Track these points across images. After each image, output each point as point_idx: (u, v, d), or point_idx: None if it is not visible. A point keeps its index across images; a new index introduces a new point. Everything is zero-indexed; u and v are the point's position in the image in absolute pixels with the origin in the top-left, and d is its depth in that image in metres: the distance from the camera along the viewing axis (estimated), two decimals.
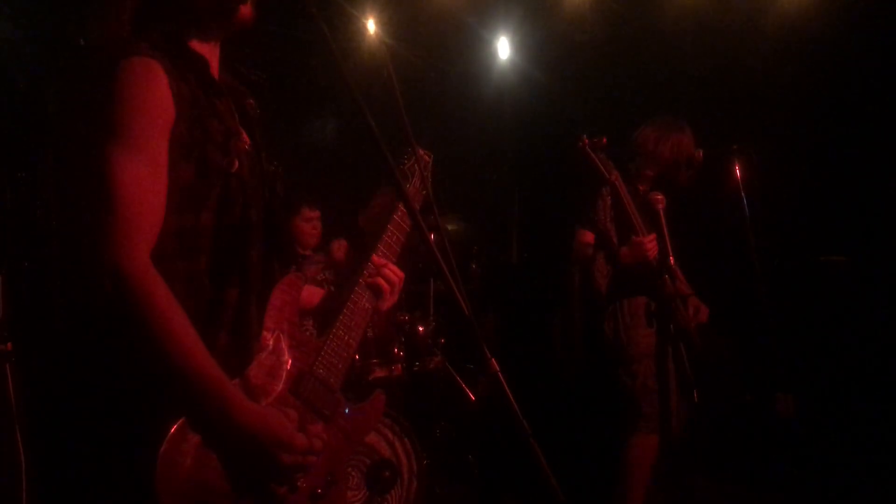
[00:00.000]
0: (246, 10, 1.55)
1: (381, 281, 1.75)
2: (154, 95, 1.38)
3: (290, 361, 1.56)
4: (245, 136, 1.59)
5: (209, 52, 1.57)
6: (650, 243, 3.07)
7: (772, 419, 4.49)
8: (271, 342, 1.54)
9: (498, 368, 1.47)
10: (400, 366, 3.67)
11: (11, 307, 2.88)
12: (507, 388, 1.47)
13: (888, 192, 4.49)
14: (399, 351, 3.68)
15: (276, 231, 1.63)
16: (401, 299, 3.92)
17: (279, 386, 1.53)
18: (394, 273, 1.77)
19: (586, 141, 3.02)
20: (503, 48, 5.49)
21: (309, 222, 3.97)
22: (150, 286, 1.32)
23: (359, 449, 3.21)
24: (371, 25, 4.94)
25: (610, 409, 3.46)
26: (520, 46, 5.50)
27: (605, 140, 3.03)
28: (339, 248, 3.93)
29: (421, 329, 3.83)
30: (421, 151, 1.90)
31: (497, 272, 5.21)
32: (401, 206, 1.84)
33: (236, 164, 1.49)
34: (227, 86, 1.61)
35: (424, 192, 1.90)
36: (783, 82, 4.72)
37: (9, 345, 2.81)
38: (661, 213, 2.97)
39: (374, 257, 1.77)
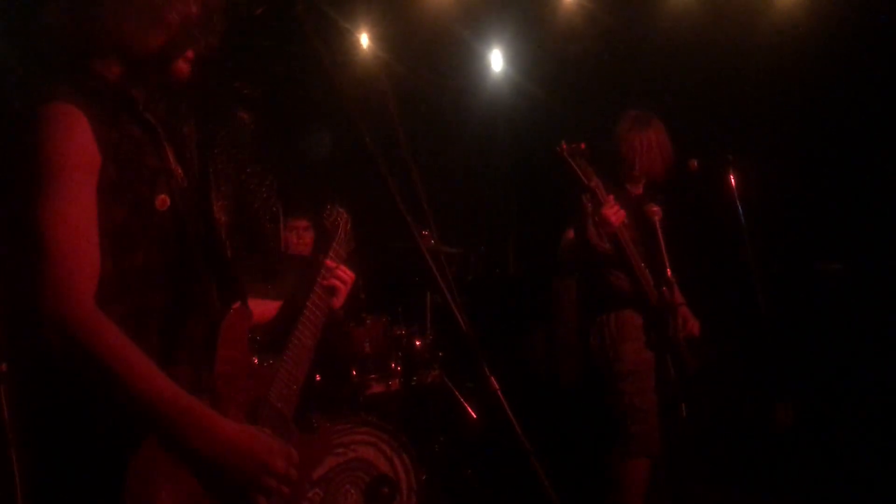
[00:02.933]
0: (184, 66, 1.54)
1: (335, 281, 2.04)
2: (76, 142, 1.36)
3: (244, 390, 1.58)
4: (180, 170, 1.58)
5: (139, 90, 1.55)
6: (610, 209, 3.00)
7: (771, 428, 4.49)
8: (225, 372, 1.53)
9: (497, 387, 1.47)
10: (398, 380, 3.65)
11: (4, 328, 2.86)
12: (507, 406, 1.47)
13: (883, 198, 4.50)
14: (396, 365, 3.66)
15: (221, 264, 1.62)
16: (397, 314, 3.93)
17: (237, 414, 1.52)
18: (345, 273, 2.07)
19: (564, 147, 3.00)
20: (496, 61, 5.51)
21: (293, 231, 3.96)
22: (100, 328, 1.30)
23: (354, 462, 3.20)
24: (364, 40, 4.95)
25: (599, 426, 3.42)
26: (513, 59, 5.52)
27: (583, 146, 3.02)
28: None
29: (418, 343, 3.81)
30: (339, 209, 2.23)
31: (493, 284, 5.21)
32: (341, 225, 2.19)
33: (167, 201, 1.48)
34: (160, 121, 1.59)
35: (349, 244, 2.21)
36: (776, 92, 4.75)
37: (3, 366, 2.80)
38: (658, 224, 2.95)
39: (327, 261, 2.07)
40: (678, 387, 3.12)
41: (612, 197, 3.03)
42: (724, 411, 4.43)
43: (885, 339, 4.43)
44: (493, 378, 1.47)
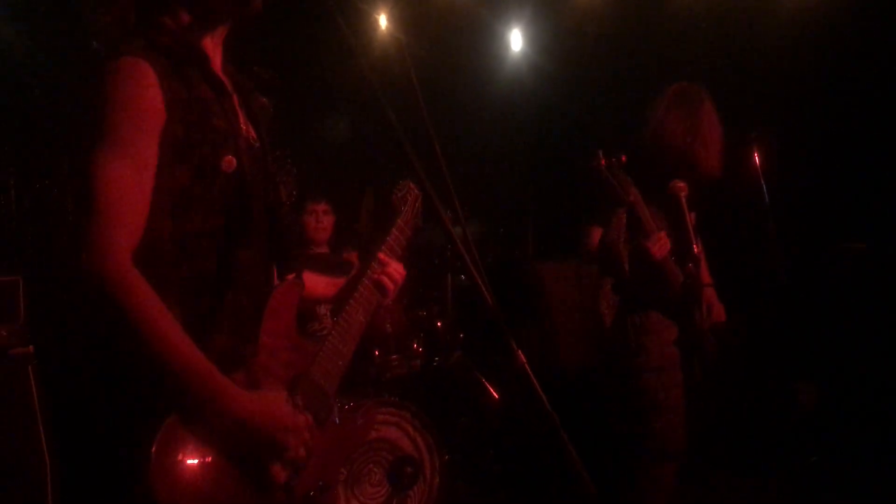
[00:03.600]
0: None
1: (384, 278, 1.84)
2: (142, 96, 1.36)
3: (287, 364, 1.56)
4: (252, 131, 1.58)
5: (212, 48, 1.54)
6: (654, 244, 2.81)
7: (794, 409, 4.46)
8: (268, 343, 1.53)
9: (525, 361, 1.47)
10: (419, 361, 3.66)
11: (32, 310, 2.90)
12: (535, 380, 1.46)
13: None
14: (418, 347, 3.67)
15: (279, 233, 1.62)
16: (419, 295, 3.93)
17: (275, 386, 1.52)
18: (397, 271, 1.87)
19: (603, 162, 2.79)
20: (515, 40, 5.47)
21: (312, 215, 3.95)
22: (129, 286, 1.30)
23: (377, 442, 3.22)
24: (383, 21, 4.92)
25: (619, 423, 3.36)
26: (532, 38, 5.48)
27: (623, 158, 2.80)
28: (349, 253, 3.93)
29: (440, 324, 3.82)
30: (411, 185, 2.03)
31: (512, 267, 5.19)
32: (406, 210, 1.98)
33: (234, 163, 1.46)
34: (233, 81, 1.59)
35: (416, 222, 2.02)
36: (800, 68, 4.68)
37: (31, 347, 2.84)
38: (683, 200, 2.88)
39: (380, 255, 1.87)
40: (701, 380, 3.04)
41: (663, 233, 2.84)
42: (747, 392, 4.41)
43: None
44: (519, 351, 1.47)
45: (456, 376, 3.78)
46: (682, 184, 2.93)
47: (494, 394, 3.70)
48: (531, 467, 3.45)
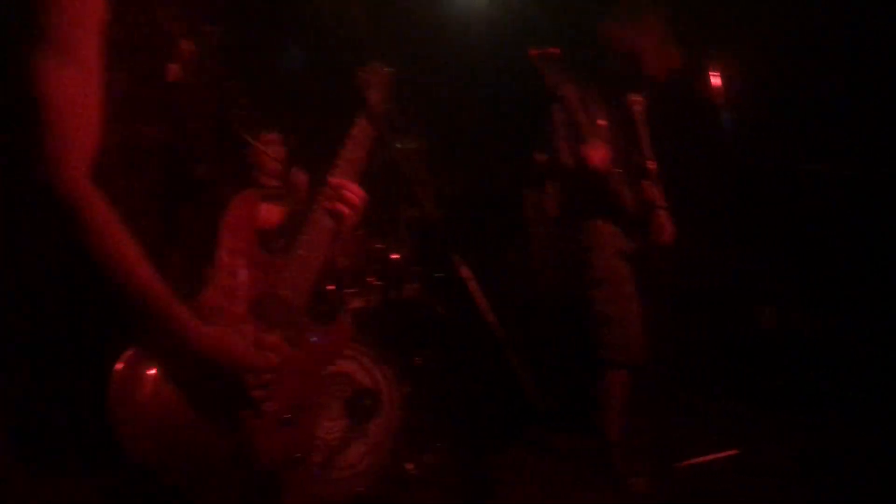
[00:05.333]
0: None
1: (339, 205, 1.62)
2: None
3: (249, 281, 1.46)
4: (189, 43, 1.44)
5: None
6: (594, 150, 2.83)
7: (754, 331, 4.51)
8: (228, 262, 1.44)
9: (471, 275, 1.40)
10: (376, 295, 3.58)
11: None
12: (479, 296, 1.40)
13: (869, 98, 4.41)
14: (374, 280, 3.59)
15: (231, 147, 1.53)
16: (374, 227, 3.83)
17: (239, 307, 1.43)
18: (354, 193, 1.63)
19: (535, 53, 2.76)
20: None
21: (269, 146, 3.82)
22: (89, 203, 1.21)
23: (334, 376, 3.16)
24: None
25: (575, 336, 3.38)
26: None
27: (558, 51, 2.77)
28: (297, 176, 3.80)
29: (396, 257, 3.73)
30: (378, 65, 1.80)
31: (475, 198, 5.10)
32: (361, 120, 1.72)
33: (177, 71, 1.36)
34: None
35: (385, 105, 1.79)
36: None
37: None
38: (639, 115, 2.83)
39: (331, 179, 1.64)
40: (652, 295, 3.06)
41: (602, 143, 2.85)
42: (708, 314, 4.43)
43: (872, 241, 4.41)
44: (464, 267, 1.40)
45: (413, 309, 3.72)
46: (638, 97, 2.87)
47: (441, 310, 3.64)
48: (493, 394, 3.44)
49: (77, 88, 1.23)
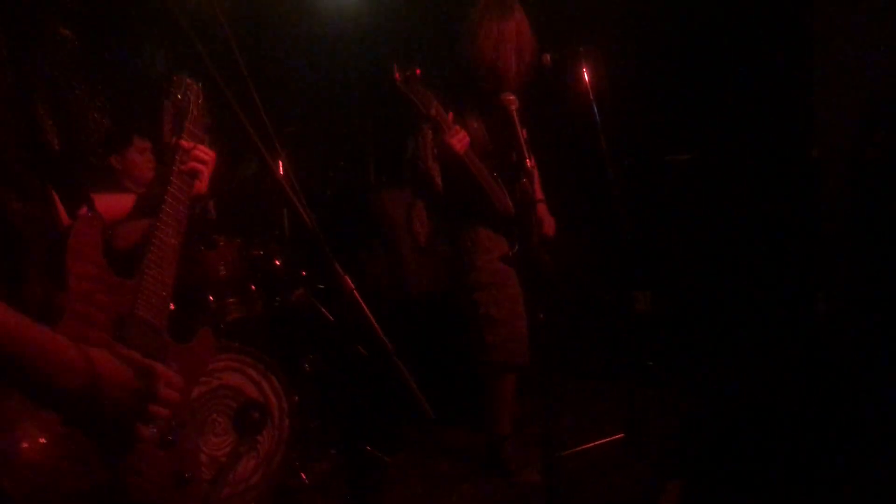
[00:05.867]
0: None
1: (194, 164, 1.80)
2: None
3: (105, 307, 1.41)
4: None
5: None
6: (453, 137, 2.87)
7: (631, 316, 4.68)
8: (80, 288, 1.37)
9: (353, 287, 1.39)
10: (259, 302, 3.49)
11: None
12: (364, 306, 1.39)
13: (728, 91, 4.66)
14: (257, 287, 3.49)
15: (55, 172, 1.44)
16: (253, 234, 3.72)
17: (99, 332, 1.37)
18: (204, 152, 1.83)
19: (398, 77, 2.78)
20: None
21: (142, 154, 3.64)
22: None
23: (220, 389, 3.07)
24: None
25: (459, 338, 3.42)
26: None
27: (418, 71, 2.80)
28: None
29: (278, 263, 3.64)
30: (188, 80, 1.91)
31: (353, 196, 5.05)
32: (192, 95, 1.88)
33: None
34: None
35: (206, 120, 1.91)
36: None
37: None
38: (514, 113, 2.87)
39: (181, 142, 1.80)
40: (536, 288, 3.11)
41: (457, 127, 2.89)
42: (586, 302, 4.58)
43: (732, 223, 4.67)
44: (346, 277, 1.38)
45: (299, 315, 3.65)
46: (511, 97, 2.92)
47: (329, 316, 3.59)
48: (385, 397, 3.43)
49: None
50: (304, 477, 3.33)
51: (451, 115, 2.92)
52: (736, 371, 4.24)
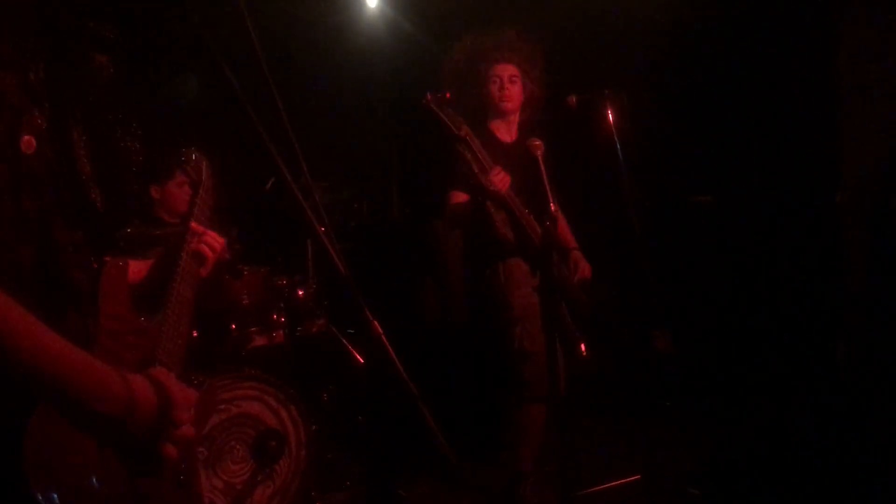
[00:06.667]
0: None
1: (203, 247, 1.81)
2: None
3: (132, 347, 1.49)
4: (37, 113, 1.43)
5: None
6: (496, 176, 2.97)
7: (651, 355, 4.66)
8: (109, 326, 1.45)
9: (381, 331, 1.42)
10: (281, 332, 3.53)
11: None
12: (391, 351, 1.41)
13: (751, 133, 4.68)
14: (279, 317, 3.53)
15: (89, 215, 1.52)
16: (279, 263, 3.77)
17: (126, 370, 1.42)
18: (214, 240, 1.84)
19: (429, 98, 2.91)
20: None
21: (181, 187, 3.69)
22: None
23: (239, 418, 3.10)
24: None
25: (492, 373, 3.44)
26: None
27: (448, 95, 2.93)
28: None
29: (301, 293, 3.69)
30: (197, 156, 1.97)
31: (378, 229, 5.11)
32: (203, 171, 1.95)
33: (33, 143, 1.35)
34: (10, 60, 1.43)
35: (212, 197, 1.97)
36: (651, 26, 4.79)
37: None
38: (540, 158, 2.92)
39: (192, 224, 1.82)
40: (573, 327, 3.15)
41: (498, 168, 2.98)
42: (605, 340, 4.57)
43: (753, 265, 4.66)
44: (375, 322, 1.41)
45: (320, 345, 3.68)
46: (538, 142, 2.97)
47: (359, 358, 3.63)
48: (401, 434, 3.44)
49: None
50: None
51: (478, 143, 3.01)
52: (755, 414, 4.21)
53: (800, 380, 4.38)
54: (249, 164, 3.87)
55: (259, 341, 3.41)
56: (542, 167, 2.92)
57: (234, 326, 3.33)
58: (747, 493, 3.35)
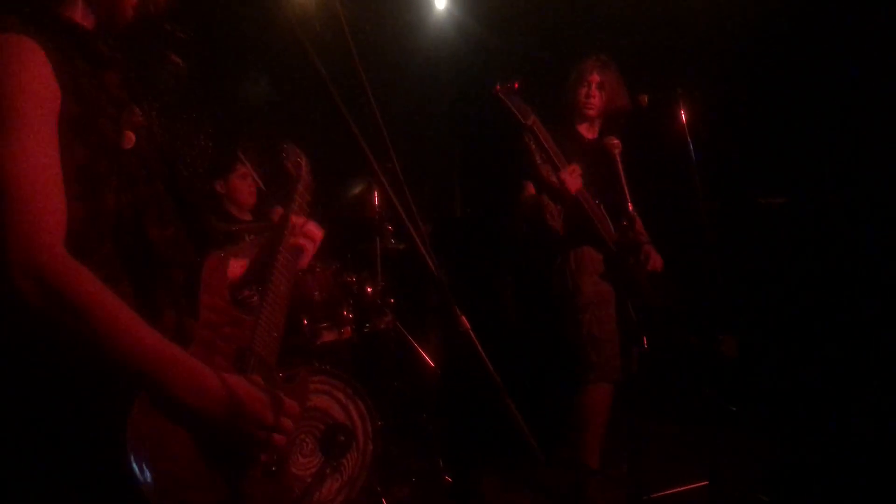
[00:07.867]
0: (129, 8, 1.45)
1: (302, 240, 1.79)
2: (34, 75, 1.25)
3: (228, 338, 1.50)
4: (137, 109, 1.47)
5: (90, 22, 1.44)
6: (568, 175, 3.04)
7: (716, 360, 4.58)
8: (208, 318, 1.46)
9: (469, 326, 1.43)
10: (349, 328, 3.58)
11: None
12: (479, 346, 1.42)
13: (826, 134, 4.56)
14: (348, 313, 3.58)
15: (186, 207, 1.53)
16: (348, 260, 3.83)
17: (222, 362, 1.45)
18: (315, 229, 1.82)
19: (498, 87, 2.99)
20: None
21: (244, 179, 3.79)
22: (75, 276, 1.19)
23: (308, 411, 3.15)
24: None
25: (563, 359, 3.47)
26: None
27: (517, 84, 3.00)
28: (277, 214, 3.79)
29: (369, 289, 3.73)
30: (297, 150, 1.97)
31: (442, 227, 5.13)
32: (303, 166, 1.95)
33: (132, 138, 1.38)
34: (112, 57, 1.48)
35: (310, 194, 1.94)
36: (724, 25, 4.72)
37: None
38: (618, 157, 2.93)
39: (293, 217, 1.81)
40: (640, 321, 3.17)
41: (573, 166, 3.04)
42: (672, 344, 4.51)
43: (824, 271, 4.54)
44: (463, 318, 1.42)
45: (387, 341, 3.72)
46: (616, 140, 2.97)
47: (430, 362, 3.67)
48: (472, 430, 3.46)
49: (41, 165, 1.23)
50: (384, 502, 3.37)
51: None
52: (824, 420, 4.11)
53: (870, 386, 4.26)
54: (330, 160, 3.94)
55: (328, 336, 3.47)
56: (620, 166, 2.92)
57: (305, 321, 3.39)
58: (816, 501, 3.27)
